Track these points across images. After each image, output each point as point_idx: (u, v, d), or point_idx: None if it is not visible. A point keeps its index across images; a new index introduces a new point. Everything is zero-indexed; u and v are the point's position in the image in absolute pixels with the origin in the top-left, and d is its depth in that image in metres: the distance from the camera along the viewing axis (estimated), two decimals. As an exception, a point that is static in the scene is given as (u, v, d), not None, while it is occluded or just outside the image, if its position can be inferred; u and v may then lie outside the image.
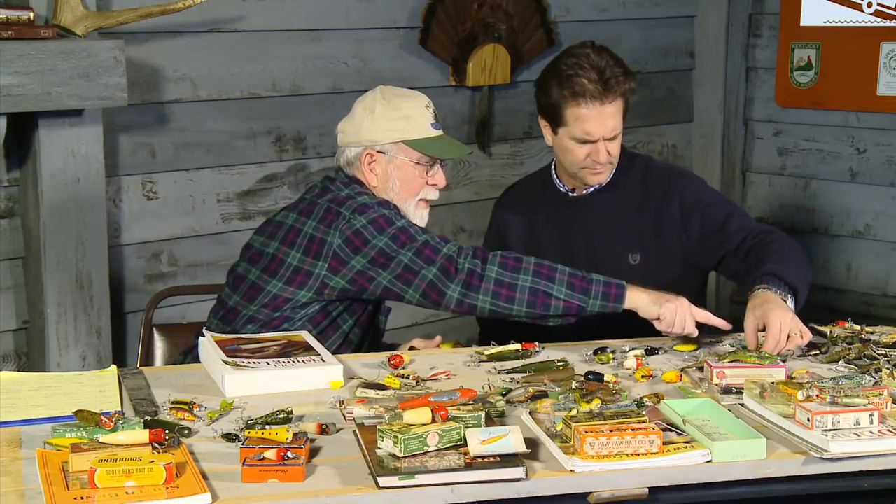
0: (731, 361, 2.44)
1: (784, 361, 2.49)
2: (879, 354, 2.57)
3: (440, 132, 2.79)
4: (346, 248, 2.63)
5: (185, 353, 2.81)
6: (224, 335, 2.62)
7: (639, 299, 2.63)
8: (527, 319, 2.63)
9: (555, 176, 3.14)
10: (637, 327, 2.83)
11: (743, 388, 2.30)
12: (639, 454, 2.00)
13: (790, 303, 2.70)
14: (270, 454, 1.94)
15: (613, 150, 2.99)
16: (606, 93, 2.92)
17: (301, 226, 2.69)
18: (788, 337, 2.57)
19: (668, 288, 2.90)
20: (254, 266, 2.73)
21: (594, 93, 2.91)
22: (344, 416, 2.20)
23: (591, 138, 2.95)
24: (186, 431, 2.11)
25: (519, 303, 2.59)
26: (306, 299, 2.66)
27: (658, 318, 2.64)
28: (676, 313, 2.63)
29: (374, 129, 2.74)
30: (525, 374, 2.48)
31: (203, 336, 2.60)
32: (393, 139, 2.74)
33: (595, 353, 2.63)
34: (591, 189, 3.08)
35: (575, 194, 3.11)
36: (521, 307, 2.59)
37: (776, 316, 2.58)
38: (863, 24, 4.23)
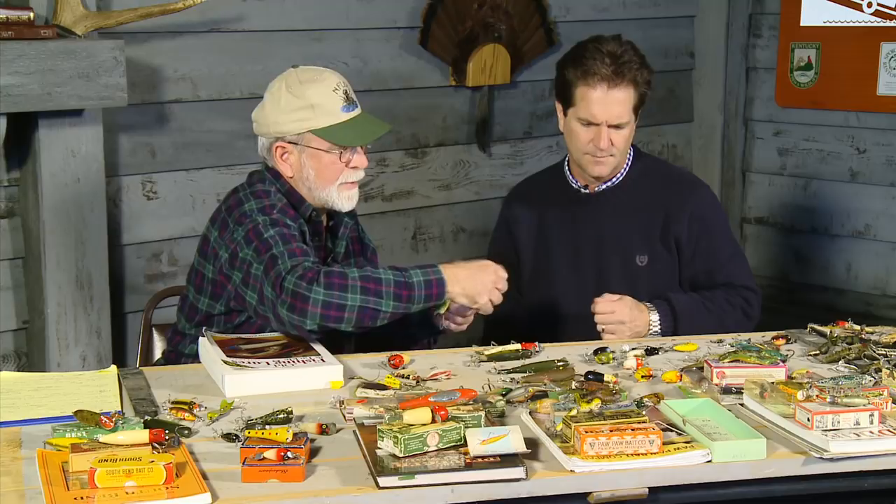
0: (731, 361, 2.44)
1: (784, 361, 2.49)
2: (879, 354, 2.57)
3: (353, 113, 2.66)
4: (229, 262, 2.58)
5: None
6: (224, 335, 2.62)
7: (455, 293, 2.55)
8: (355, 331, 2.54)
9: (568, 172, 3.14)
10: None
11: (743, 388, 2.30)
12: (639, 454, 2.00)
13: (654, 316, 2.91)
14: (270, 454, 1.94)
15: (617, 140, 2.99)
16: (615, 77, 2.93)
17: (209, 234, 2.67)
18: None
19: (674, 293, 2.91)
20: (189, 283, 2.73)
21: (604, 75, 2.93)
22: (344, 416, 2.20)
23: (595, 121, 2.96)
24: (186, 431, 2.11)
25: (347, 321, 2.46)
26: (226, 310, 2.64)
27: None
28: (486, 295, 2.58)
29: (281, 120, 2.64)
30: (525, 374, 2.48)
31: (203, 336, 2.60)
32: (300, 129, 2.64)
33: (595, 353, 2.63)
34: (604, 186, 3.09)
35: (587, 191, 3.11)
36: (350, 325, 2.47)
37: (619, 302, 2.83)
38: (863, 24, 4.23)
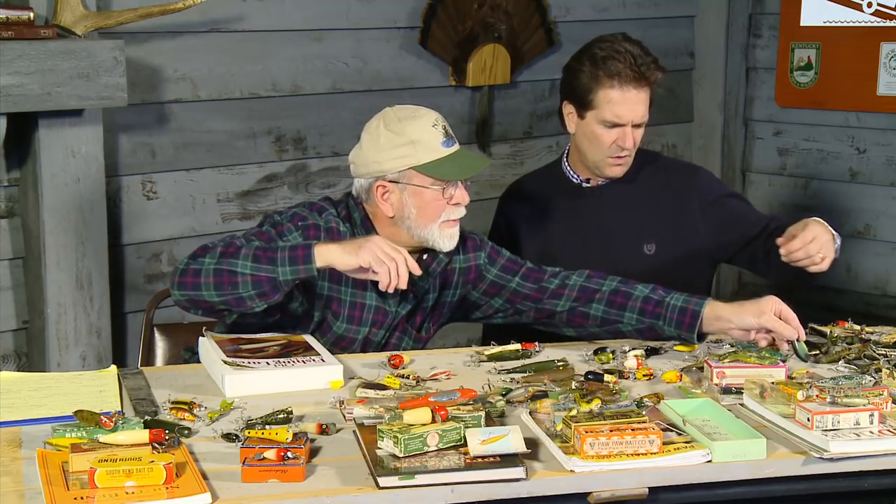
0: (731, 361, 2.44)
1: (784, 361, 2.49)
2: (879, 354, 2.57)
3: (453, 148, 2.65)
4: None
5: (191, 352, 2.81)
6: (224, 335, 2.62)
7: (332, 254, 2.44)
8: (231, 306, 2.48)
9: (567, 167, 3.15)
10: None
11: (743, 388, 2.31)
12: (639, 454, 2.00)
13: (837, 240, 2.81)
14: (270, 454, 1.94)
15: (638, 138, 3.03)
16: (640, 78, 2.96)
17: None
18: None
19: (681, 280, 2.91)
20: None
21: (628, 76, 2.94)
22: (344, 416, 2.20)
23: (621, 122, 2.97)
24: (186, 431, 2.11)
25: (206, 287, 2.44)
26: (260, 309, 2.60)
27: (362, 268, 2.45)
28: (375, 252, 2.43)
29: (381, 158, 2.61)
30: (525, 374, 2.48)
31: (203, 336, 2.60)
32: (402, 167, 2.60)
33: (595, 353, 2.63)
34: (606, 180, 3.09)
35: (589, 185, 3.12)
36: (211, 290, 2.44)
37: (814, 228, 2.75)
38: (863, 24, 4.23)
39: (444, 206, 2.63)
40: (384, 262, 2.44)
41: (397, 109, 2.68)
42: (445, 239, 2.65)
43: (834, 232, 2.82)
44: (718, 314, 2.63)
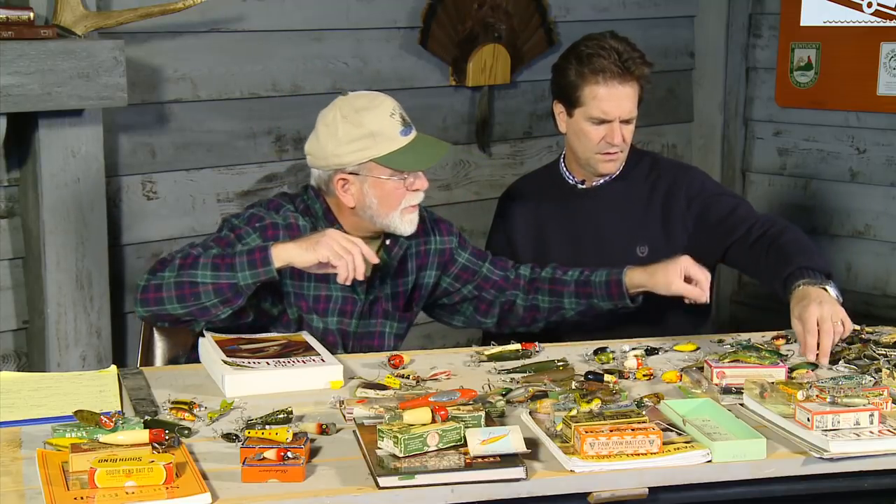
0: (731, 361, 2.44)
1: (784, 361, 2.48)
2: (879, 354, 2.57)
3: (411, 136, 2.65)
4: None
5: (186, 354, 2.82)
6: (224, 335, 2.62)
7: (289, 253, 2.46)
8: (196, 316, 2.50)
9: (563, 168, 3.16)
10: (637, 329, 2.84)
11: (743, 388, 2.31)
12: (639, 454, 2.00)
13: (831, 290, 2.67)
14: (270, 454, 1.94)
15: (627, 134, 3.02)
16: (625, 73, 2.96)
17: None
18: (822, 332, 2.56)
19: None
20: None
21: (613, 72, 2.95)
22: (344, 416, 2.20)
23: (608, 118, 2.97)
24: (186, 431, 2.11)
25: (169, 301, 2.46)
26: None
27: (321, 264, 2.46)
28: (332, 247, 2.44)
29: (340, 151, 2.61)
30: (525, 374, 2.48)
31: (203, 336, 2.60)
32: (362, 159, 2.61)
33: (595, 353, 2.63)
34: (601, 181, 3.10)
35: (584, 186, 3.12)
36: (174, 304, 2.46)
37: (812, 312, 2.57)
38: (863, 24, 4.23)
39: (404, 193, 2.66)
40: (342, 255, 2.46)
41: (353, 98, 2.67)
42: (406, 224, 2.68)
43: (825, 287, 2.66)
44: (636, 283, 2.77)
